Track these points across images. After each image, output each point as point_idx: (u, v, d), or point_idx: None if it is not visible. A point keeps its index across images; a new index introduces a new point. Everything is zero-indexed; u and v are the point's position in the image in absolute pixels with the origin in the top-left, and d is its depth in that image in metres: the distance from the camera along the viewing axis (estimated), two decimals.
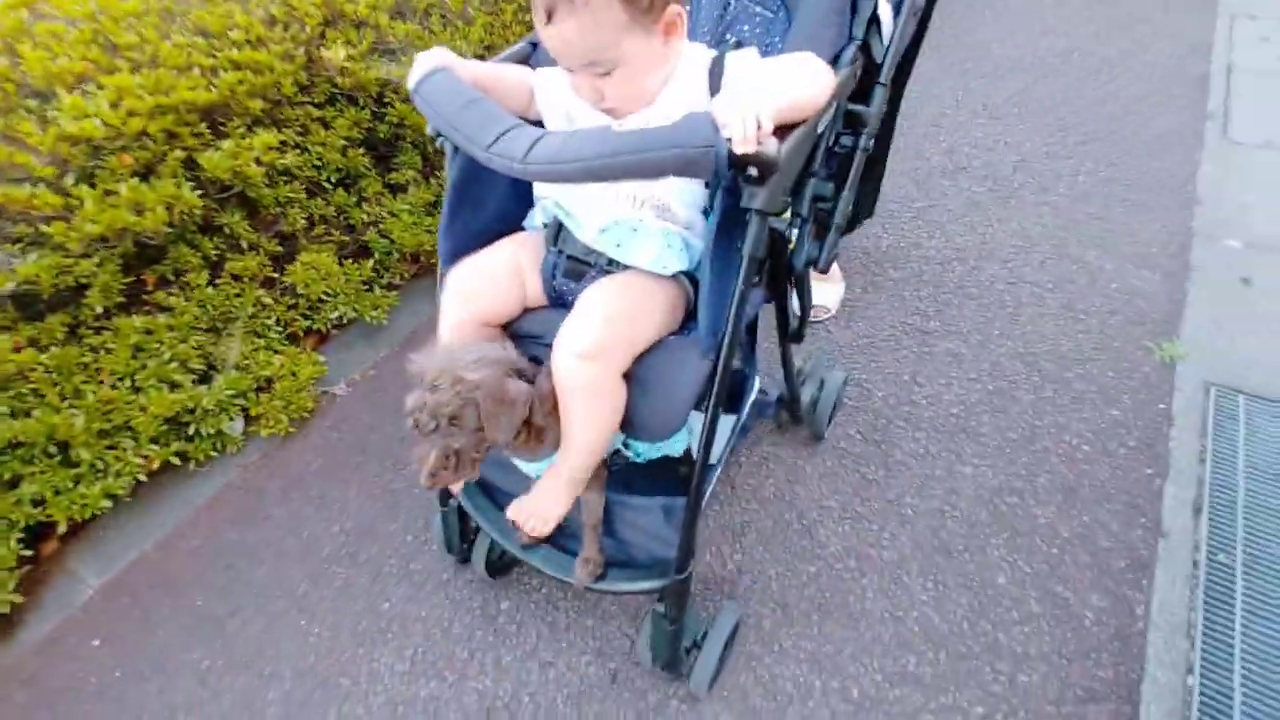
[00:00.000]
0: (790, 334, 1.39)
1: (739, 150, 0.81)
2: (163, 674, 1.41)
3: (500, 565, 1.48)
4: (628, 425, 1.09)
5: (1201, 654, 1.32)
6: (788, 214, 1.11)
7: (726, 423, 1.37)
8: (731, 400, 1.38)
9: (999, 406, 1.79)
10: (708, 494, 1.29)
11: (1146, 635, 1.36)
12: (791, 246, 1.15)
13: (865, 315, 2.07)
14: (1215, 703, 1.26)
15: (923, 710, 1.28)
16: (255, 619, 1.49)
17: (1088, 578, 1.45)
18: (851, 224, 2.05)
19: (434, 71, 0.95)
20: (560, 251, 1.10)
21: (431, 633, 1.43)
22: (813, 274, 1.27)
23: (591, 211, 1.06)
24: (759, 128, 0.81)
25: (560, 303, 1.12)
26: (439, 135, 1.01)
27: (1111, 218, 2.33)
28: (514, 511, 1.17)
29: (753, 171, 0.85)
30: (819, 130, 1.01)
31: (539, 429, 1.05)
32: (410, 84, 0.96)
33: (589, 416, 1.02)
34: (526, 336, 1.12)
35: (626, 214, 1.05)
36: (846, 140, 1.16)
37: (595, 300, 1.02)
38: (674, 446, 1.27)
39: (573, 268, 1.10)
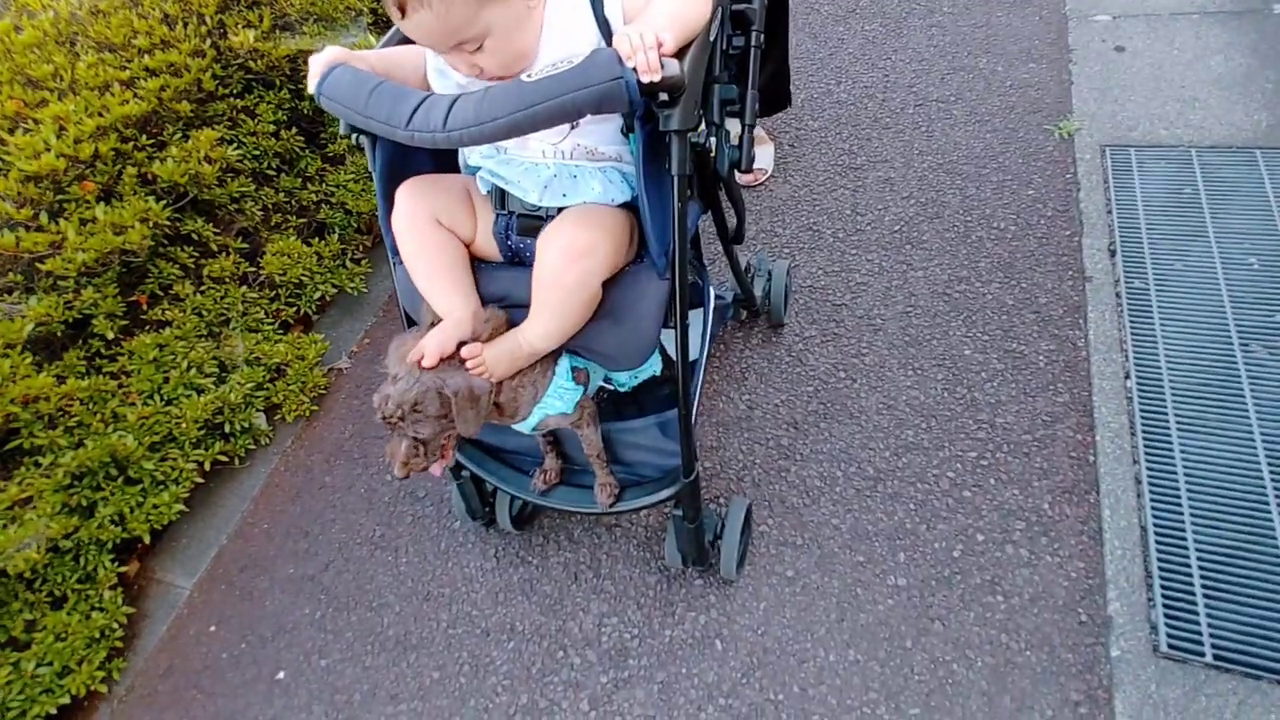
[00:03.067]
0: (731, 236, 1.47)
1: (645, 79, 0.85)
2: (284, 632, 1.58)
3: (524, 517, 1.60)
4: (608, 361, 1.16)
5: (1134, 360, 1.59)
6: (703, 125, 1.13)
7: (696, 321, 1.41)
8: (693, 304, 1.44)
9: (933, 214, 2.00)
10: (696, 400, 1.34)
11: (1089, 360, 1.62)
12: (713, 154, 1.19)
13: (798, 167, 2.23)
14: (1150, 391, 1.54)
15: (928, 467, 1.53)
16: (346, 567, 1.65)
17: (1035, 331, 1.70)
18: (771, 110, 2.16)
19: (330, 69, 0.96)
20: (510, 213, 1.12)
21: (506, 532, 1.62)
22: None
23: (528, 176, 1.08)
24: (659, 54, 0.85)
25: (518, 260, 1.14)
26: (353, 132, 1.02)
27: (994, 23, 2.51)
28: (469, 351, 1.05)
29: (663, 96, 0.90)
30: (711, 38, 1.05)
31: (502, 406, 1.10)
32: (311, 88, 0.98)
33: (563, 310, 1.06)
34: (491, 299, 1.11)
35: (560, 164, 1.07)
36: (738, 41, 1.21)
37: (573, 213, 1.06)
38: (653, 369, 1.36)
39: (526, 225, 1.11)
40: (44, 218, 1.41)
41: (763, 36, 1.22)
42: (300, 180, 2.04)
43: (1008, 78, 2.31)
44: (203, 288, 1.78)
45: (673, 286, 1.08)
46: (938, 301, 1.81)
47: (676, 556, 1.40)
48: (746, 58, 1.22)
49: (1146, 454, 1.44)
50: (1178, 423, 1.48)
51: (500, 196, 1.13)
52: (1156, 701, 1.17)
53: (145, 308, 1.66)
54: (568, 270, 1.02)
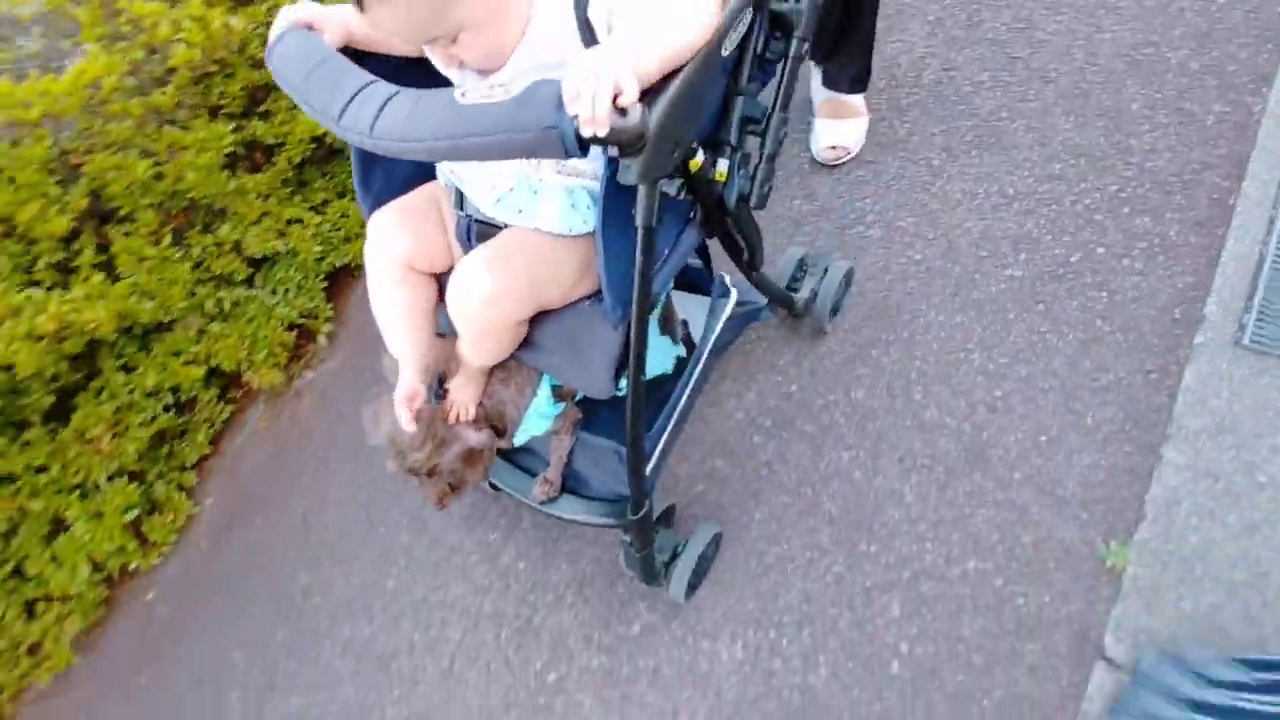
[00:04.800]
0: (746, 263, 1.24)
1: (585, 133, 0.69)
2: None
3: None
4: (579, 389, 1.14)
5: None
6: (699, 158, 0.93)
7: (699, 310, 1.31)
8: (694, 288, 1.37)
9: None
10: (667, 433, 1.24)
11: (1260, 123, 1.67)
12: (723, 180, 1.00)
13: None
14: None
15: (1066, 194, 1.69)
16: None
17: (1213, 94, 1.74)
18: (854, 87, 1.80)
19: (286, 33, 0.85)
20: (469, 216, 1.03)
21: None
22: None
23: (483, 179, 0.97)
24: (617, 103, 0.69)
25: None
26: None
27: None
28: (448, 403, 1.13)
29: (612, 150, 0.75)
30: (724, 52, 0.87)
31: (501, 421, 1.15)
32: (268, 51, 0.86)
33: (479, 348, 1.05)
34: None
35: (523, 174, 0.96)
36: (778, 46, 0.99)
37: (497, 247, 0.97)
38: (663, 367, 1.28)
39: (483, 231, 1.02)
40: None
41: (807, 45, 1.01)
42: None
43: None
44: None
45: (626, 343, 0.96)
46: (1118, 62, 1.86)
47: (628, 570, 1.34)
48: (786, 69, 1.02)
49: None
50: None
51: (460, 196, 1.03)
52: (1223, 375, 1.37)
53: None
54: (474, 313, 0.98)
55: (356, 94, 0.76)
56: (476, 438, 1.10)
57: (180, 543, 1.79)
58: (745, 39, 0.94)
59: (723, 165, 0.98)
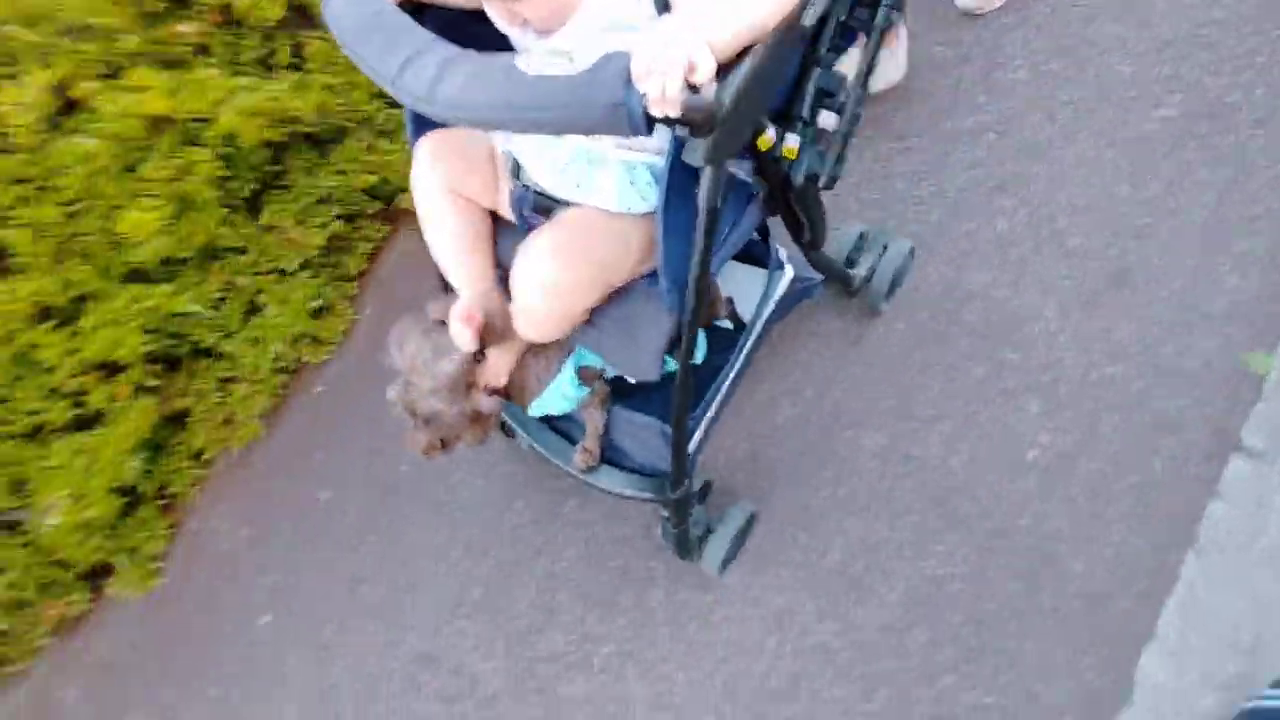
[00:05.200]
0: (807, 241, 1.19)
1: (655, 112, 0.66)
2: None
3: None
4: (615, 367, 1.11)
5: None
6: (769, 134, 0.87)
7: (756, 281, 1.27)
8: (753, 260, 1.33)
9: None
10: (708, 415, 1.21)
11: None
12: (792, 157, 0.94)
13: None
14: None
15: (1225, 39, 1.65)
16: None
17: None
18: None
19: None
20: (526, 186, 1.00)
21: None
22: None
23: (543, 155, 0.95)
24: (690, 79, 0.65)
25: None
26: None
27: None
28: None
29: (681, 130, 0.71)
30: (806, 23, 0.81)
31: (520, 390, 1.13)
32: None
33: (541, 328, 1.02)
34: (507, 264, 1.01)
35: (582, 148, 0.92)
36: (863, 13, 0.93)
37: (560, 235, 0.94)
38: (703, 353, 1.25)
39: (540, 204, 1.00)
40: None
41: (895, 14, 0.96)
42: None
43: None
44: None
45: (680, 323, 0.94)
46: None
47: (664, 540, 1.35)
48: (872, 43, 0.96)
49: None
50: None
51: (516, 165, 1.02)
52: None
53: None
54: (537, 301, 0.95)
55: (414, 55, 0.71)
56: (488, 403, 1.09)
57: (343, 345, 1.96)
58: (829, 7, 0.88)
59: (792, 141, 0.92)
